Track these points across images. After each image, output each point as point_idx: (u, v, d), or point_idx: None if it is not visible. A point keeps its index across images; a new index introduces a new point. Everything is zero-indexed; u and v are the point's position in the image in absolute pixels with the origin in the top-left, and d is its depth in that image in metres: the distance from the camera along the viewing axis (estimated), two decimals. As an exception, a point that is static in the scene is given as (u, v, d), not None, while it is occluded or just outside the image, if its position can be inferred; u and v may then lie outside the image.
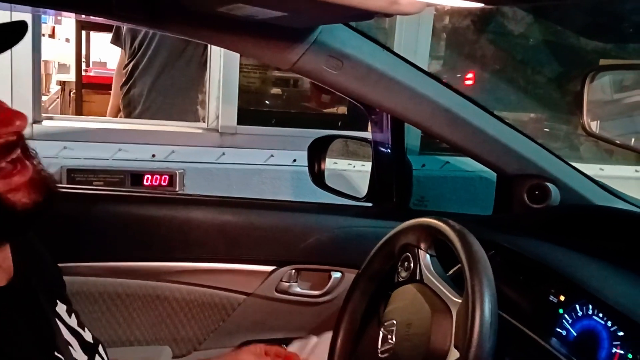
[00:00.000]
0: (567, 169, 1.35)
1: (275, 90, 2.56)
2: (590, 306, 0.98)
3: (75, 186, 1.89)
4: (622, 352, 0.89)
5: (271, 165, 2.20)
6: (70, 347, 0.80)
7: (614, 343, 0.91)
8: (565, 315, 1.02)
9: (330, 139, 1.64)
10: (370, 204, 1.56)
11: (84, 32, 4.52)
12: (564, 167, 1.35)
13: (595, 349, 0.94)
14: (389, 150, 1.51)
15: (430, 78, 1.27)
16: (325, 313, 1.44)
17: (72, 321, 0.85)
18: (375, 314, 1.16)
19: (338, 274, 1.43)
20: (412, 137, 2.30)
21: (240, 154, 2.18)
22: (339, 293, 1.41)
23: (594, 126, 1.31)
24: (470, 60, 2.63)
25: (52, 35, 5.12)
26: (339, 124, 2.51)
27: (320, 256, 1.42)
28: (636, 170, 2.59)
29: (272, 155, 2.20)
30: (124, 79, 2.66)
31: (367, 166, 1.58)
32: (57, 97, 4.65)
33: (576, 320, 1.00)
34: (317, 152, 1.62)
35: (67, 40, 5.06)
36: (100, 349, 0.88)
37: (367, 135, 1.57)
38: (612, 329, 0.93)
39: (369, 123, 1.55)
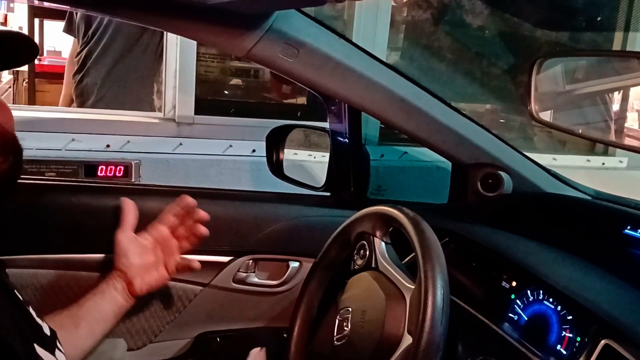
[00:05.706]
0: (520, 158, 1.37)
1: (235, 80, 2.52)
2: (541, 291, 1.01)
3: (26, 177, 1.84)
4: (571, 335, 0.92)
5: (230, 156, 2.17)
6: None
7: (564, 327, 0.94)
8: (517, 301, 1.04)
9: (289, 128, 1.64)
10: (328, 194, 1.56)
11: (37, 20, 4.38)
12: (517, 156, 1.37)
13: (545, 333, 0.96)
14: (346, 140, 1.51)
15: (387, 67, 1.27)
16: (283, 303, 1.44)
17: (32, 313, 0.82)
18: (332, 303, 1.16)
19: (296, 264, 1.43)
20: (372, 127, 2.31)
21: (198, 144, 2.15)
22: (297, 283, 1.40)
23: (545, 115, 1.34)
24: (428, 52, 2.65)
25: (4, 23, 4.98)
26: (299, 114, 2.50)
27: (278, 246, 1.41)
28: (587, 160, 2.66)
29: (230, 146, 2.18)
30: (76, 68, 2.58)
31: (328, 157, 1.57)
32: (9, 87, 4.52)
33: (527, 305, 1.03)
34: (275, 141, 1.61)
35: (20, 28, 4.92)
36: (58, 342, 0.85)
37: (327, 125, 1.57)
38: (561, 313, 0.95)
39: (327, 113, 1.55)
